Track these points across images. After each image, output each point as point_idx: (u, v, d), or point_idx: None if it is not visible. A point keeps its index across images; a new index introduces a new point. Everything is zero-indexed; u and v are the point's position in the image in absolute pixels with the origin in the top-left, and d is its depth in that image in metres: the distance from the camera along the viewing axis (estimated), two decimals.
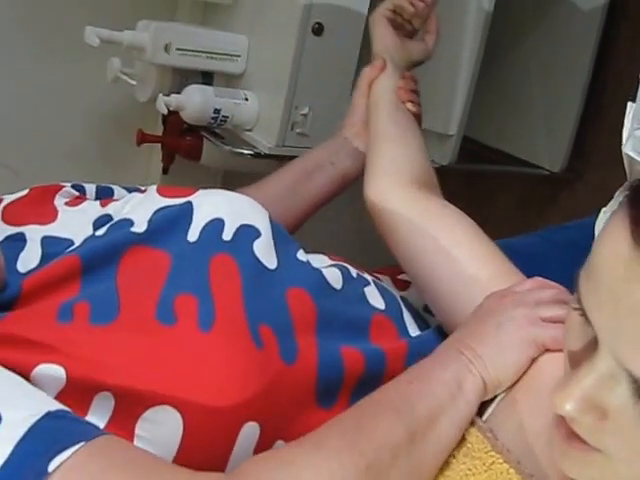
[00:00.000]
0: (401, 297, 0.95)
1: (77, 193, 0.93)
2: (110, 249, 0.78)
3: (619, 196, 0.87)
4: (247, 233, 0.83)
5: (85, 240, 0.81)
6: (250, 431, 0.71)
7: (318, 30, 1.42)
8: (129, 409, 0.69)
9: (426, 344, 0.82)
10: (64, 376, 0.68)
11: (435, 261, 0.87)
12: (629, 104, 0.85)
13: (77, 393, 0.68)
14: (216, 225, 0.82)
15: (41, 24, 1.66)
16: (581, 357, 0.58)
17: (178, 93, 1.49)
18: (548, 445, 0.66)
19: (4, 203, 0.88)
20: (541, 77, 1.83)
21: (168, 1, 1.62)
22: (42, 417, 0.62)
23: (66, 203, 0.89)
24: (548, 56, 1.82)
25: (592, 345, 0.57)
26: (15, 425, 0.61)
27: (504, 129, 1.93)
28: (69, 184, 0.94)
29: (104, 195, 0.95)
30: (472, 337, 0.75)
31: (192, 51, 1.49)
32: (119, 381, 0.68)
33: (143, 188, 0.94)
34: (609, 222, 0.58)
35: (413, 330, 0.90)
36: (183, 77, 1.56)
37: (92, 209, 0.87)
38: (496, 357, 0.73)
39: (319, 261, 0.91)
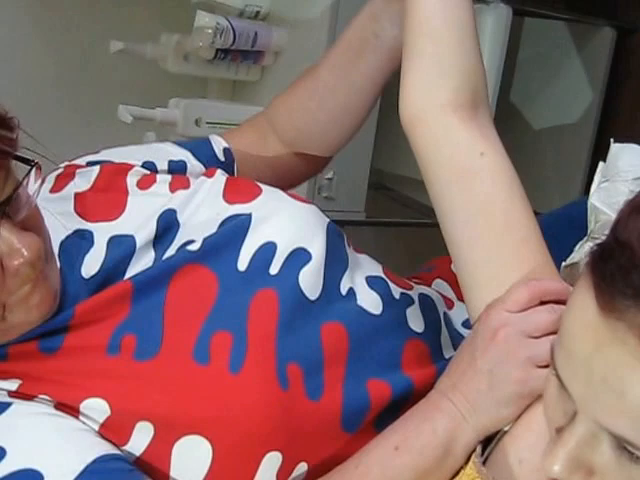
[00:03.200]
0: (444, 314, 0.92)
1: (148, 172, 0.91)
2: (162, 272, 0.81)
3: (579, 250, 0.85)
4: (297, 259, 0.83)
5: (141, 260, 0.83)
6: (272, 460, 0.74)
7: None
8: (166, 437, 0.74)
9: None
10: (108, 409, 0.74)
11: (461, 219, 0.78)
12: (600, 164, 0.87)
13: (120, 422, 0.74)
14: (267, 251, 0.83)
15: (80, 102, 1.72)
16: (563, 421, 0.60)
17: None
18: None
19: (76, 187, 0.87)
20: (551, 136, 1.89)
21: (199, 82, 1.70)
22: (82, 471, 0.68)
23: (137, 183, 0.88)
24: (557, 116, 1.90)
25: (572, 410, 0.59)
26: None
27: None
28: (140, 162, 0.92)
29: (176, 169, 0.94)
30: (464, 386, 0.73)
31: (221, 124, 1.55)
32: (158, 412, 0.74)
33: (221, 157, 0.99)
34: (575, 290, 0.58)
35: (448, 352, 0.88)
36: None
37: (161, 194, 0.87)
38: (490, 409, 0.71)
39: (370, 268, 0.90)
